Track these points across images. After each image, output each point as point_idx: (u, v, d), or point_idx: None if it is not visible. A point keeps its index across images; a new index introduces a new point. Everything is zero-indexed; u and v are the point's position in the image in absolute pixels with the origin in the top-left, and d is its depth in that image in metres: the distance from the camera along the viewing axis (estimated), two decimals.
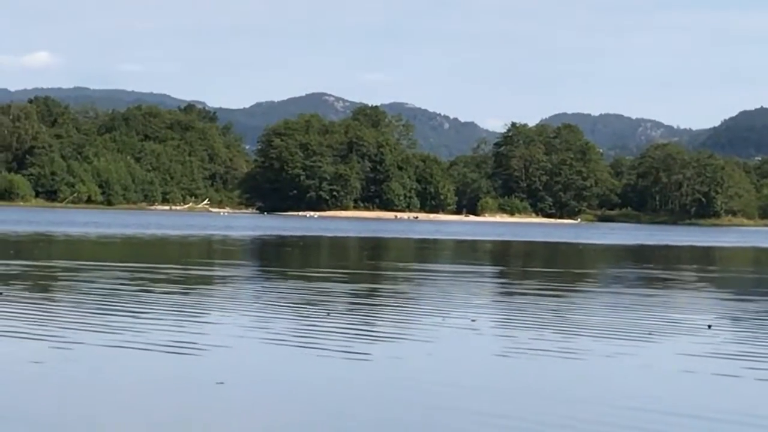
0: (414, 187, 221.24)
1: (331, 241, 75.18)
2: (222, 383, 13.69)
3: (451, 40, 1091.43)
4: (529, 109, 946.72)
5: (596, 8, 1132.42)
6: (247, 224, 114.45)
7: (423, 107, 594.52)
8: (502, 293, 32.27)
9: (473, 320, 22.04)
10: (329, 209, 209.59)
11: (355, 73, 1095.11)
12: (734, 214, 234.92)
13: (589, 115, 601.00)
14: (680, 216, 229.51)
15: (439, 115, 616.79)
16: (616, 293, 31.83)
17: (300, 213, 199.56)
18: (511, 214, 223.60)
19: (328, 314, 22.35)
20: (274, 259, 50.68)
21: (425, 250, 65.91)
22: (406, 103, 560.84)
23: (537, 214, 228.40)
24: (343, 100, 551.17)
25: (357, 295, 28.22)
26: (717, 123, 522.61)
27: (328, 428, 11.65)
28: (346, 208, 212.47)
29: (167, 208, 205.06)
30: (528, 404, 13.16)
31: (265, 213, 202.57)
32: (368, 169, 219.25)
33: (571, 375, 15.59)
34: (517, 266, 51.47)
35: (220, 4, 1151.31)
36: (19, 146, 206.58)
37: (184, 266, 38.46)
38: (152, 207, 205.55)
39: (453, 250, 67.39)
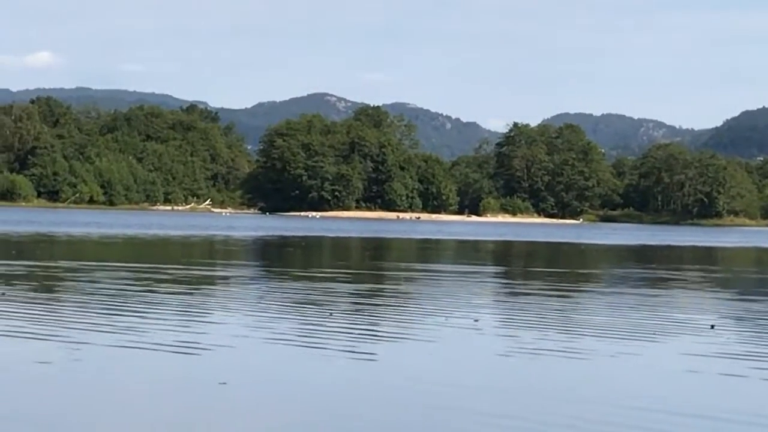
0: (416, 187, 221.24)
1: (334, 241, 75.17)
2: (225, 383, 13.68)
3: (453, 40, 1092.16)
4: (531, 109, 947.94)
5: (597, 8, 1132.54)
6: (249, 224, 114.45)
7: (425, 107, 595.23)
8: (504, 293, 32.26)
9: (476, 320, 22.03)
10: (331, 209, 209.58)
11: (357, 74, 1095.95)
12: (736, 214, 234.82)
13: (591, 115, 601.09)
14: (682, 216, 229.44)
15: (441, 115, 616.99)
16: (618, 293, 31.82)
17: (302, 213, 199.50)
18: (513, 214, 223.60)
19: (331, 314, 22.34)
20: (276, 259, 50.67)
21: (427, 251, 65.90)
22: (408, 104, 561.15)
23: (539, 215, 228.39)
24: (345, 101, 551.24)
25: (360, 296, 28.21)
26: (719, 123, 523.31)
27: (331, 428, 11.64)
28: (348, 209, 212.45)
29: (169, 208, 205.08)
30: (532, 404, 13.14)
31: (267, 213, 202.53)
32: (370, 169, 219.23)
33: (575, 375, 15.58)
34: (519, 266, 51.45)
35: (222, 4, 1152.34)
36: (21, 146, 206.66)
37: (187, 266, 38.45)
38: (154, 207, 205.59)
39: (455, 251, 67.38)
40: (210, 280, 33.07)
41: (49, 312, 21.37)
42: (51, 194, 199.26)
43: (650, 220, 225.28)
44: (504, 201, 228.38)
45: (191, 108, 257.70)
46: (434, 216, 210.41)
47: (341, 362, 16.01)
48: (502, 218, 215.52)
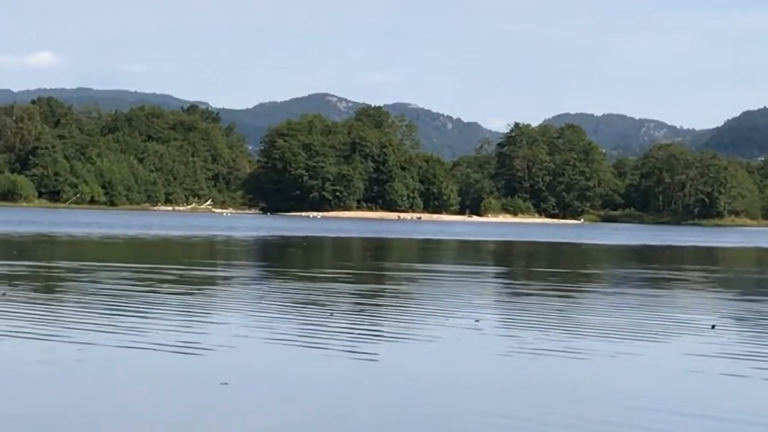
0: (417, 187, 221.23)
1: (334, 241, 75.18)
2: (226, 384, 13.68)
3: (454, 41, 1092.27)
4: (532, 109, 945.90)
5: (597, 8, 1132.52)
6: (250, 225, 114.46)
7: (426, 107, 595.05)
8: (505, 293, 32.26)
9: (477, 320, 22.03)
10: (332, 210, 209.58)
11: (358, 74, 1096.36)
12: (737, 214, 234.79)
13: (592, 115, 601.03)
14: (683, 216, 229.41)
15: (442, 115, 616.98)
16: (619, 293, 31.81)
17: (303, 213, 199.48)
18: (514, 214, 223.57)
19: (332, 314, 22.35)
20: (277, 259, 50.68)
21: (428, 251, 65.90)
22: (409, 104, 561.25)
23: (540, 215, 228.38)
24: (346, 101, 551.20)
25: (360, 296, 28.21)
26: (720, 123, 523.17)
27: (331, 428, 11.64)
28: (349, 209, 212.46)
29: (170, 208, 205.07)
30: (533, 404, 13.14)
31: (268, 213, 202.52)
32: (371, 169, 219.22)
33: (576, 375, 15.58)
34: (520, 267, 51.44)
35: (223, 5, 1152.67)
36: (22, 147, 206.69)
37: (188, 267, 38.45)
38: (155, 207, 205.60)
39: (456, 251, 67.38)
40: (211, 281, 33.07)
41: (50, 312, 21.37)
42: (52, 194, 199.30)
43: (651, 220, 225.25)
44: (505, 201, 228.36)
45: (192, 108, 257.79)
46: (435, 216, 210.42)
47: (342, 362, 16.01)
48: (503, 218, 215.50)
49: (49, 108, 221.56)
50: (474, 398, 13.37)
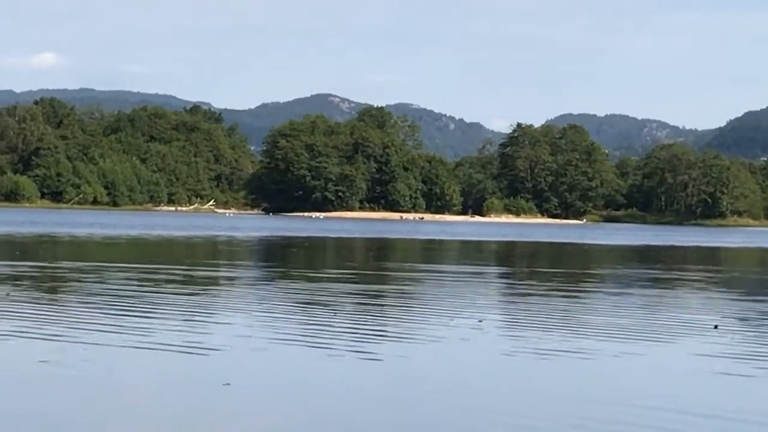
0: (419, 187, 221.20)
1: (337, 242, 75.18)
2: (229, 384, 13.67)
3: (456, 41, 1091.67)
4: (534, 109, 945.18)
5: (598, 8, 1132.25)
6: (252, 225, 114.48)
7: (428, 108, 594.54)
8: (508, 294, 32.25)
9: (480, 321, 22.03)
10: (335, 210, 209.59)
11: (360, 74, 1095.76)
12: (740, 214, 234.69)
13: (595, 115, 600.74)
14: (686, 216, 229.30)
15: (445, 115, 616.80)
16: (622, 293, 31.79)
17: (305, 214, 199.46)
18: (517, 214, 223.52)
19: (336, 314, 22.35)
20: (280, 260, 50.68)
21: (431, 251, 65.90)
22: (412, 104, 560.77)
23: (542, 215, 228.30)
24: (349, 101, 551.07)
25: (364, 296, 28.21)
26: (722, 123, 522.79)
27: (336, 428, 11.63)
28: (351, 209, 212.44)
29: (173, 209, 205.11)
30: (539, 404, 13.13)
31: (271, 214, 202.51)
32: (374, 169, 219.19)
33: (581, 375, 15.57)
34: (522, 267, 51.42)
35: (225, 5, 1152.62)
36: (24, 147, 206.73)
37: (191, 267, 38.46)
38: (158, 208, 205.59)
39: (459, 251, 67.38)
40: (214, 281, 33.08)
41: (53, 312, 21.37)
42: (55, 195, 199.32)
43: (654, 220, 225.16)
44: (507, 201, 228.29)
45: (195, 109, 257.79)
46: (438, 216, 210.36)
47: (346, 362, 16.00)
48: (505, 219, 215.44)
49: (52, 109, 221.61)
50: (479, 398, 13.37)
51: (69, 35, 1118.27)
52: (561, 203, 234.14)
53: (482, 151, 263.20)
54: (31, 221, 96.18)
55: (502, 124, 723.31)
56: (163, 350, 16.49)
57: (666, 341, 19.68)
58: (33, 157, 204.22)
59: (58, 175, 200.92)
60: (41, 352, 15.91)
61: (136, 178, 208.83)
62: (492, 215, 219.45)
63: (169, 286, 29.23)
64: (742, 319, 24.50)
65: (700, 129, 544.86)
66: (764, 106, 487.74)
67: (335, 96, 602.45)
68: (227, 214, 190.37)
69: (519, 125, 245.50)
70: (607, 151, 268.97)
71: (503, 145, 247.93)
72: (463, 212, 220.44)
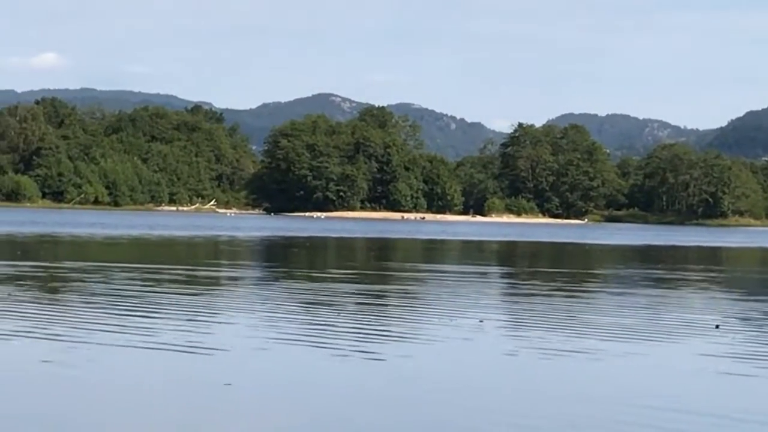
0: (421, 187, 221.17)
1: (338, 241, 75.18)
2: (230, 384, 13.67)
3: (457, 41, 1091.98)
4: (535, 109, 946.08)
5: (598, 8, 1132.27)
6: (254, 225, 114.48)
7: (430, 108, 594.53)
8: (510, 294, 32.25)
9: (481, 321, 22.02)
10: (336, 210, 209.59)
11: (361, 74, 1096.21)
12: (741, 214, 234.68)
13: (596, 115, 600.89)
14: (687, 216, 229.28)
15: (446, 115, 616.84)
16: (623, 293, 31.79)
17: (307, 214, 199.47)
18: (518, 214, 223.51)
19: (339, 314, 22.34)
20: (281, 259, 50.69)
21: (432, 251, 65.89)
22: (413, 104, 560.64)
23: (544, 215, 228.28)
24: (350, 101, 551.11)
25: (365, 296, 28.21)
26: (724, 123, 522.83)
27: (336, 428, 11.63)
28: (352, 209, 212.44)
29: (174, 209, 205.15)
30: (542, 403, 13.12)
31: (272, 214, 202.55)
32: (375, 169, 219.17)
33: (584, 375, 15.57)
34: (524, 267, 51.41)
35: (225, 5, 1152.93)
36: (26, 147, 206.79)
37: (192, 267, 38.47)
38: (159, 208, 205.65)
39: (460, 251, 67.37)
40: (216, 281, 33.08)
41: (55, 312, 21.38)
42: (56, 195, 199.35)
43: (655, 220, 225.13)
44: (509, 201, 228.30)
45: (196, 109, 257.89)
46: (439, 216, 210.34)
47: (348, 363, 16.00)
48: (506, 218, 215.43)
49: (53, 108, 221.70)
50: (482, 398, 13.36)
51: (70, 35, 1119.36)
52: (562, 203, 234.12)
53: (483, 150, 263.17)
54: (32, 221, 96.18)
55: (503, 124, 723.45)
56: (166, 350, 16.50)
57: (669, 341, 19.68)
58: (34, 157, 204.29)
59: (60, 175, 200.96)
60: (44, 352, 15.91)
61: (137, 178, 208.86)
62: (493, 215, 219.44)
63: (171, 286, 29.24)
64: (744, 319, 24.50)
65: (701, 129, 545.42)
66: (765, 106, 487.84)
67: (336, 96, 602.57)
68: (228, 214, 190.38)
69: (520, 125, 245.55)
70: (608, 150, 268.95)
71: (504, 145, 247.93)
72: (465, 212, 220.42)
